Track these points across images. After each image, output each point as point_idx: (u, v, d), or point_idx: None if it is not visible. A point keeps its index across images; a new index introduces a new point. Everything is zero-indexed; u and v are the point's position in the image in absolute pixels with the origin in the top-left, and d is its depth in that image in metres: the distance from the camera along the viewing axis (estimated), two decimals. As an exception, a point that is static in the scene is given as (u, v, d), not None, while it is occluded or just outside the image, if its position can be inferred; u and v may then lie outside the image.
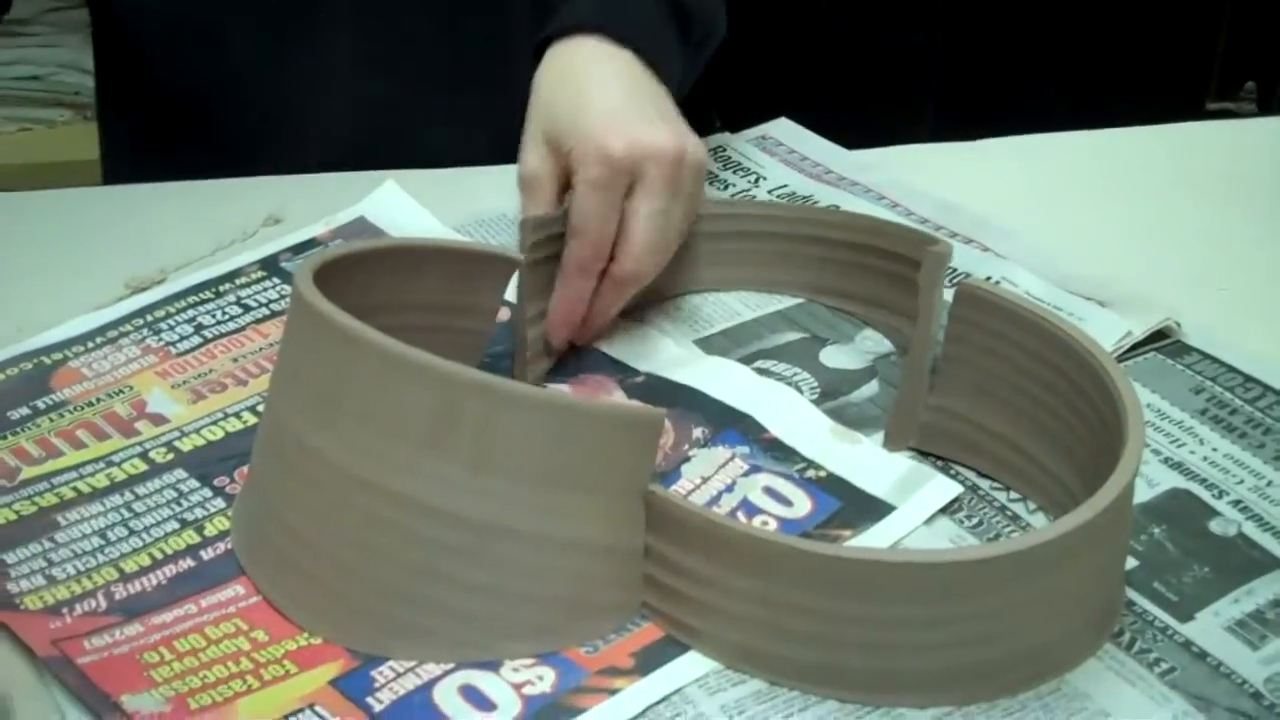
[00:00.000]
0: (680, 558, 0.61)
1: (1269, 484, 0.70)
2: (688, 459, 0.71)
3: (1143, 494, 0.69)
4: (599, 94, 0.76)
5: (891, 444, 0.73)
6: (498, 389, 0.60)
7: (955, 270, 0.84)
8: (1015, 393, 0.69)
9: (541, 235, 0.75)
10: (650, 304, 0.82)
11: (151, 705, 0.58)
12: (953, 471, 0.71)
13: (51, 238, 0.89)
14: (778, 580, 0.59)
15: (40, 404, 0.74)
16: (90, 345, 0.78)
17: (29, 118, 1.95)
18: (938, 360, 0.72)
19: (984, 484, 0.71)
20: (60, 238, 0.90)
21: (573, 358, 0.78)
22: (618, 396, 0.75)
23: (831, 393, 0.76)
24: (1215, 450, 0.72)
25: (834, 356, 0.79)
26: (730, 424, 0.73)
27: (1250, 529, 0.68)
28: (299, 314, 0.64)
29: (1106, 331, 0.78)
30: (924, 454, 0.72)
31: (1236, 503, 0.69)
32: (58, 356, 0.78)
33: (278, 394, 0.65)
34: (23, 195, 0.95)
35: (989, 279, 0.83)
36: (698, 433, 0.73)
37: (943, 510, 0.69)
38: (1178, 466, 0.71)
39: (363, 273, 0.70)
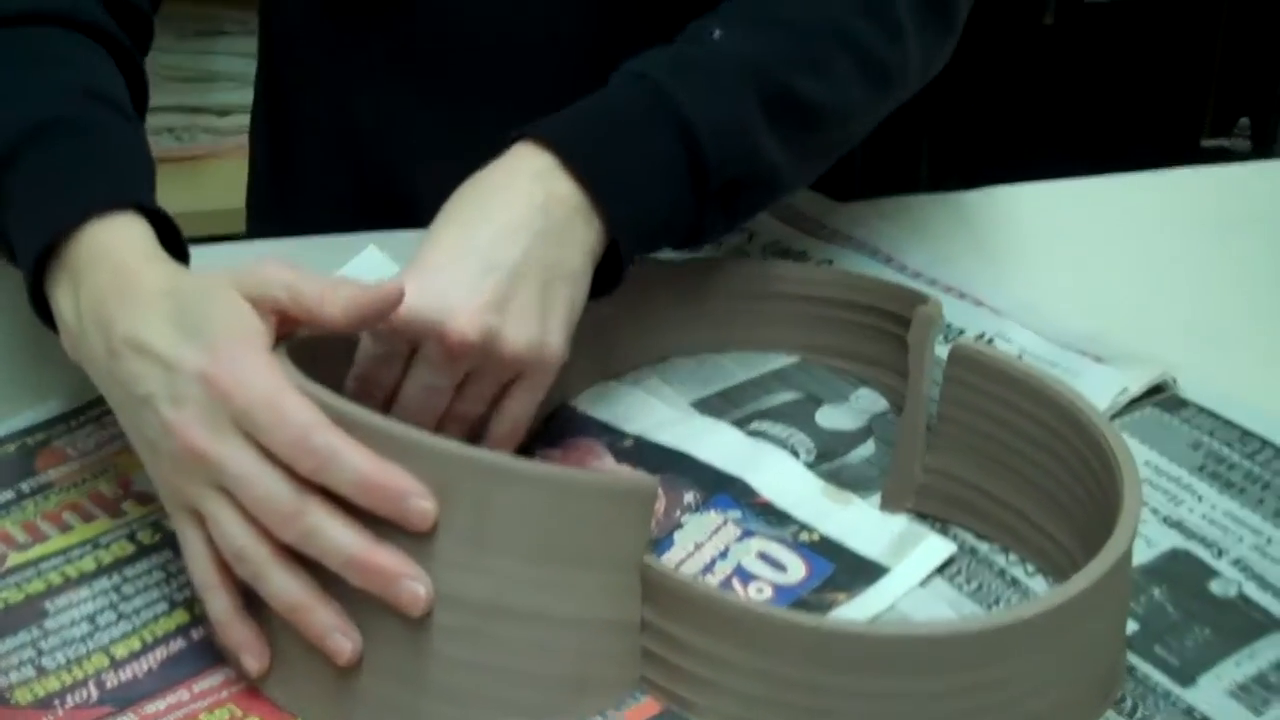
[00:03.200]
0: (676, 631, 0.61)
1: (1269, 541, 0.69)
2: (680, 525, 0.70)
3: (1142, 555, 0.69)
4: (451, 232, 0.68)
5: (888, 505, 0.72)
6: (493, 464, 0.59)
7: (950, 326, 0.84)
8: (1012, 454, 0.68)
9: None
10: (642, 365, 0.81)
11: (143, 798, 0.58)
12: (951, 533, 0.71)
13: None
14: (773, 654, 0.58)
15: (25, 487, 0.74)
16: (73, 424, 0.78)
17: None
18: (933, 420, 0.71)
19: (982, 546, 0.70)
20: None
21: (559, 421, 0.78)
22: (607, 461, 0.74)
23: (828, 454, 0.76)
24: (1214, 508, 0.72)
25: (830, 417, 0.78)
26: (721, 488, 0.72)
27: (1251, 589, 0.67)
28: None
29: (1102, 388, 0.78)
30: (922, 515, 0.72)
31: (1236, 562, 0.68)
32: (41, 437, 0.77)
33: None
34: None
35: (983, 335, 0.83)
36: (689, 498, 0.72)
37: (940, 572, 0.68)
38: (1177, 525, 0.70)
39: (340, 355, 0.69)
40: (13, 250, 0.70)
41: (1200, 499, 0.72)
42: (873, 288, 0.80)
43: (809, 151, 0.79)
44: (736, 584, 0.67)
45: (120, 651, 0.64)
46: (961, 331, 0.84)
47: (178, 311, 0.62)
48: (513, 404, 0.69)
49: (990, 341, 0.82)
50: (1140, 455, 0.75)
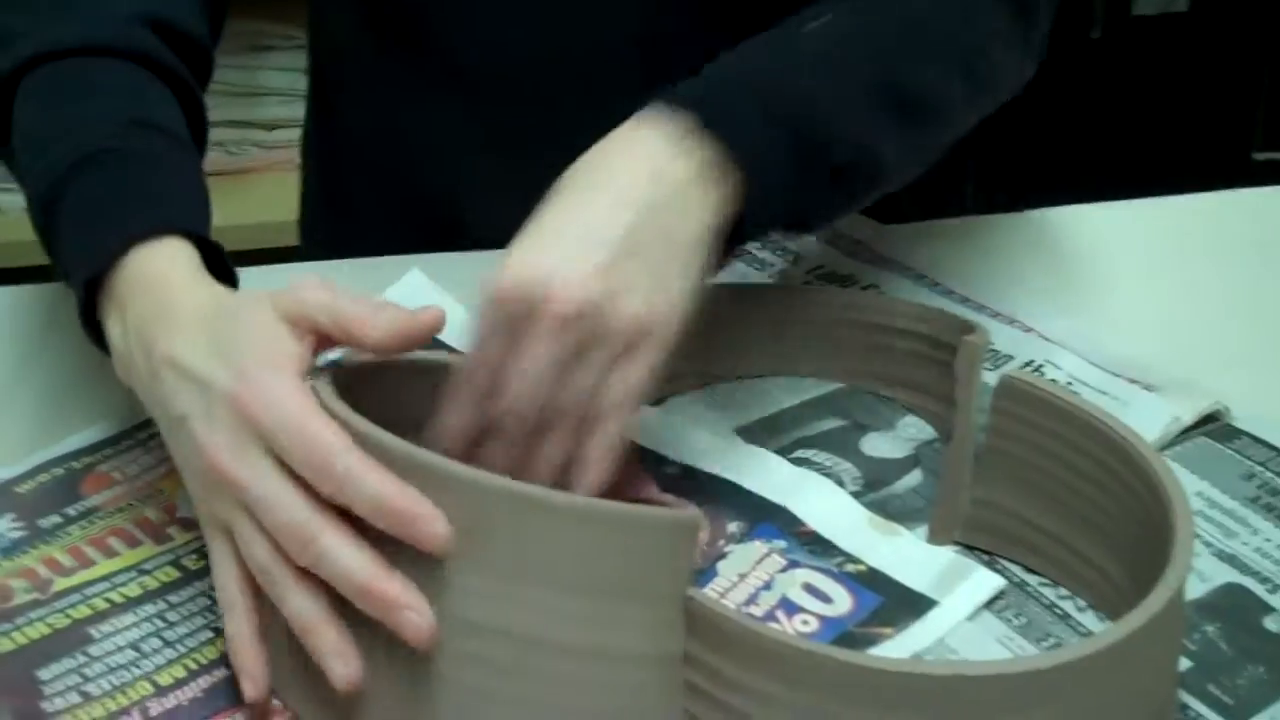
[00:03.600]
0: (720, 664, 0.60)
1: (1323, 574, 0.68)
2: (724, 555, 0.70)
3: (1195, 590, 0.68)
4: (561, 204, 0.66)
5: (935, 537, 0.71)
6: (529, 497, 0.59)
7: (998, 353, 0.83)
8: (1061, 486, 0.68)
9: None
10: (684, 392, 0.81)
11: (186, 829, 0.58)
12: (998, 566, 0.70)
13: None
14: (816, 689, 0.58)
15: (71, 511, 0.74)
16: (119, 448, 0.78)
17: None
18: (981, 451, 0.70)
19: (1031, 580, 0.69)
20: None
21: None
22: (652, 489, 0.74)
23: (875, 483, 0.75)
24: (1269, 541, 0.71)
25: (875, 445, 0.78)
26: (766, 517, 0.72)
27: (1306, 623, 0.66)
28: None
29: (1153, 418, 0.77)
30: (970, 548, 0.71)
31: (1292, 596, 0.67)
32: (88, 460, 0.77)
33: None
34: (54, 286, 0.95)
35: (1031, 363, 0.82)
36: (733, 527, 0.71)
37: (988, 606, 0.67)
38: (1230, 560, 0.69)
39: (386, 384, 0.69)
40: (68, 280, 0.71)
41: (1255, 531, 0.71)
42: (918, 314, 0.79)
43: (914, 146, 0.77)
44: (781, 616, 0.67)
45: (164, 679, 0.65)
46: (1010, 358, 0.83)
47: (213, 332, 0.64)
48: (617, 384, 0.65)
49: (1039, 369, 0.81)
50: (1191, 486, 0.74)
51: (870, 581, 0.68)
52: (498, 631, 0.59)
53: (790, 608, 0.67)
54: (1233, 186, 1.03)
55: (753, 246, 0.94)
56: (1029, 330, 0.85)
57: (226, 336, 0.63)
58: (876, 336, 0.80)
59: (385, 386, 0.69)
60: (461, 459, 0.65)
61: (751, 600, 0.67)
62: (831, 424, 0.79)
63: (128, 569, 0.70)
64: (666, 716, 0.61)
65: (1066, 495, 0.67)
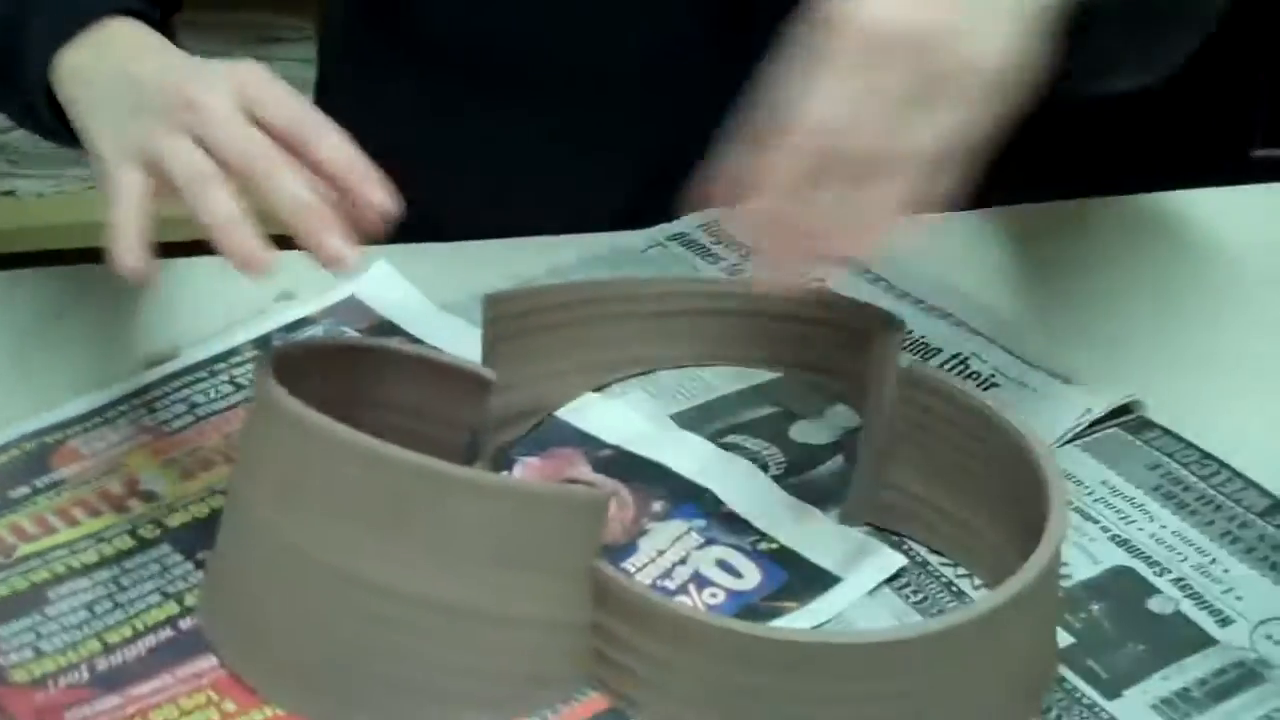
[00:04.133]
0: (623, 633, 0.64)
1: (1212, 561, 0.72)
2: (645, 532, 0.74)
3: (1086, 571, 0.71)
4: None
5: (848, 519, 0.75)
6: (446, 475, 0.63)
7: (929, 346, 0.87)
8: (962, 473, 0.71)
9: (504, 311, 0.77)
10: (626, 379, 0.85)
11: (119, 775, 0.62)
12: (905, 547, 0.74)
13: (72, 311, 0.94)
14: (710, 657, 0.62)
15: (39, 483, 0.79)
16: (90, 425, 0.82)
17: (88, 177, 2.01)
18: (890, 438, 0.74)
19: (934, 559, 0.73)
20: (82, 311, 0.94)
21: (543, 430, 0.81)
22: (584, 469, 0.78)
23: (797, 467, 0.79)
24: (1164, 527, 0.74)
25: (804, 431, 0.81)
26: (689, 498, 0.76)
27: (1188, 606, 0.69)
28: (260, 403, 0.67)
29: (1067, 410, 0.80)
30: (880, 529, 0.75)
31: (1178, 580, 0.71)
32: (59, 436, 0.82)
33: (242, 477, 0.69)
34: (56, 270, 1.01)
35: (959, 355, 0.86)
36: (656, 506, 0.75)
37: (889, 583, 0.71)
38: (1124, 544, 0.73)
39: (332, 367, 0.73)
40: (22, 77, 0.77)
41: (1151, 518, 0.75)
42: (846, 305, 0.83)
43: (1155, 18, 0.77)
44: (693, 589, 0.71)
45: (113, 638, 0.69)
46: (938, 350, 0.86)
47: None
48: (939, 118, 0.60)
49: (965, 360, 0.85)
50: (1097, 475, 0.77)
51: (780, 558, 0.72)
52: (413, 597, 0.63)
53: (701, 581, 0.71)
54: (1233, 183, 1.05)
55: (704, 239, 0.97)
56: (960, 324, 0.89)
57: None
58: (810, 328, 0.84)
59: (336, 367, 0.73)
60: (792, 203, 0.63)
61: (666, 574, 0.72)
62: (764, 411, 0.83)
63: (87, 537, 0.75)
64: (573, 680, 0.66)
65: (964, 479, 0.71)
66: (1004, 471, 0.69)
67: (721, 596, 0.70)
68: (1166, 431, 0.80)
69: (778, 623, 0.69)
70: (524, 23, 0.97)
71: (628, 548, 0.73)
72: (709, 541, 0.73)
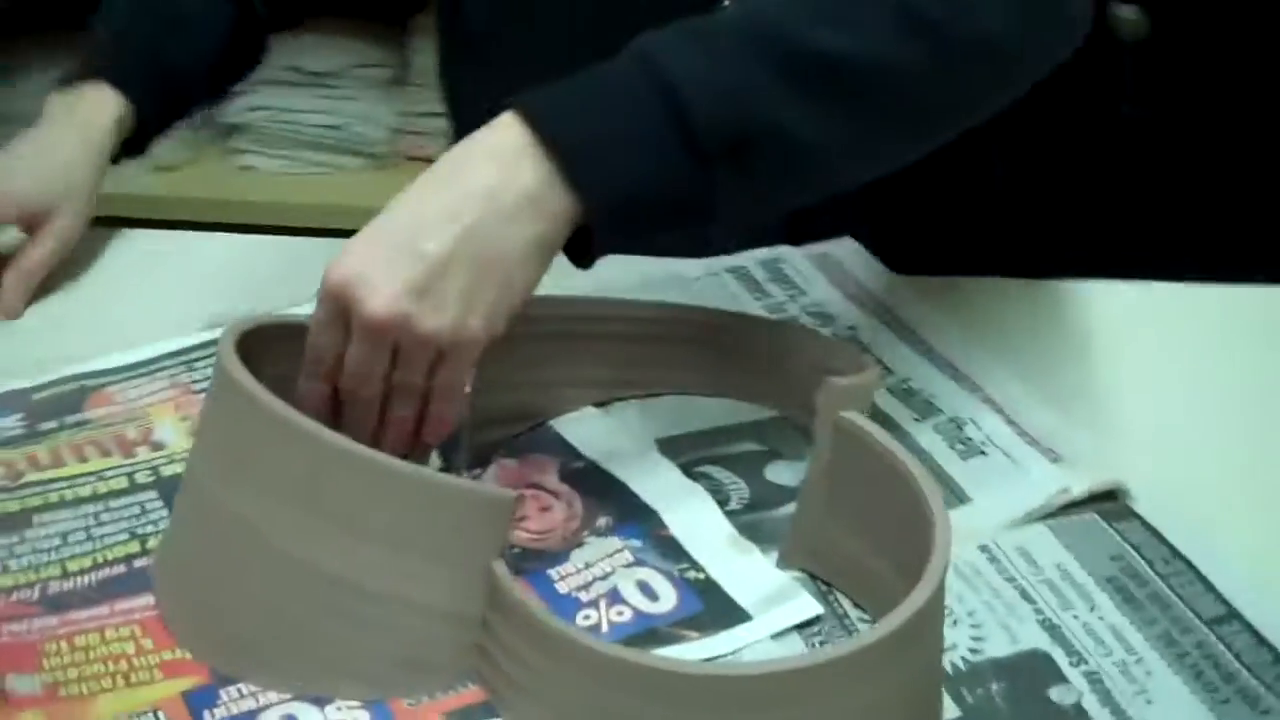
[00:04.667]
0: (507, 637, 0.67)
1: (1138, 660, 0.70)
2: (581, 544, 0.76)
3: (1001, 649, 0.70)
4: (398, 207, 0.70)
5: (784, 562, 0.76)
6: (357, 457, 0.67)
7: (931, 405, 0.86)
8: (881, 528, 0.71)
9: None
10: (631, 400, 0.87)
11: (28, 688, 0.68)
12: (832, 596, 0.74)
13: (162, 272, 1.02)
14: (581, 674, 0.64)
15: (68, 419, 0.86)
16: (130, 374, 0.89)
17: (325, 163, 2.13)
18: (828, 486, 0.74)
19: (854, 613, 0.73)
20: (171, 273, 1.02)
21: (533, 435, 0.84)
22: (550, 478, 0.81)
23: (757, 505, 0.80)
24: (1101, 619, 0.72)
25: (778, 471, 0.82)
26: (634, 517, 0.77)
27: (1090, 701, 0.67)
28: (216, 373, 0.72)
29: (1042, 485, 0.79)
30: (813, 576, 0.75)
31: (1091, 674, 0.69)
32: (100, 381, 0.89)
33: (197, 440, 0.74)
34: (155, 233, 1.09)
35: (956, 419, 0.85)
36: (601, 521, 0.77)
37: (801, 629, 0.72)
38: (1050, 629, 0.71)
39: (286, 341, 0.77)
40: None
41: (1093, 608, 0.73)
42: (840, 352, 0.83)
43: (849, 114, 0.73)
44: (603, 604, 0.72)
45: (74, 566, 0.75)
46: (939, 412, 0.86)
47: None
48: (440, 376, 0.71)
49: (961, 425, 0.84)
50: (1053, 557, 0.76)
51: (701, 589, 0.73)
52: (316, 568, 0.67)
53: (614, 598, 0.73)
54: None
55: (760, 276, 0.99)
56: (974, 389, 0.88)
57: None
58: (804, 371, 0.84)
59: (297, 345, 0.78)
60: (327, 421, 0.72)
61: (584, 587, 0.73)
62: (746, 447, 0.84)
63: (89, 474, 0.82)
64: (457, 671, 0.68)
65: (882, 534, 0.71)
66: (911, 527, 0.68)
67: (627, 615, 0.72)
68: (1143, 523, 0.78)
69: (672, 649, 0.70)
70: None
71: (560, 556, 0.75)
72: (638, 562, 0.75)
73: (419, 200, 0.71)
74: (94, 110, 1.00)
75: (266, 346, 0.74)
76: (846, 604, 0.73)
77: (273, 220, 1.96)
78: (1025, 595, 0.73)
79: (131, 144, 1.03)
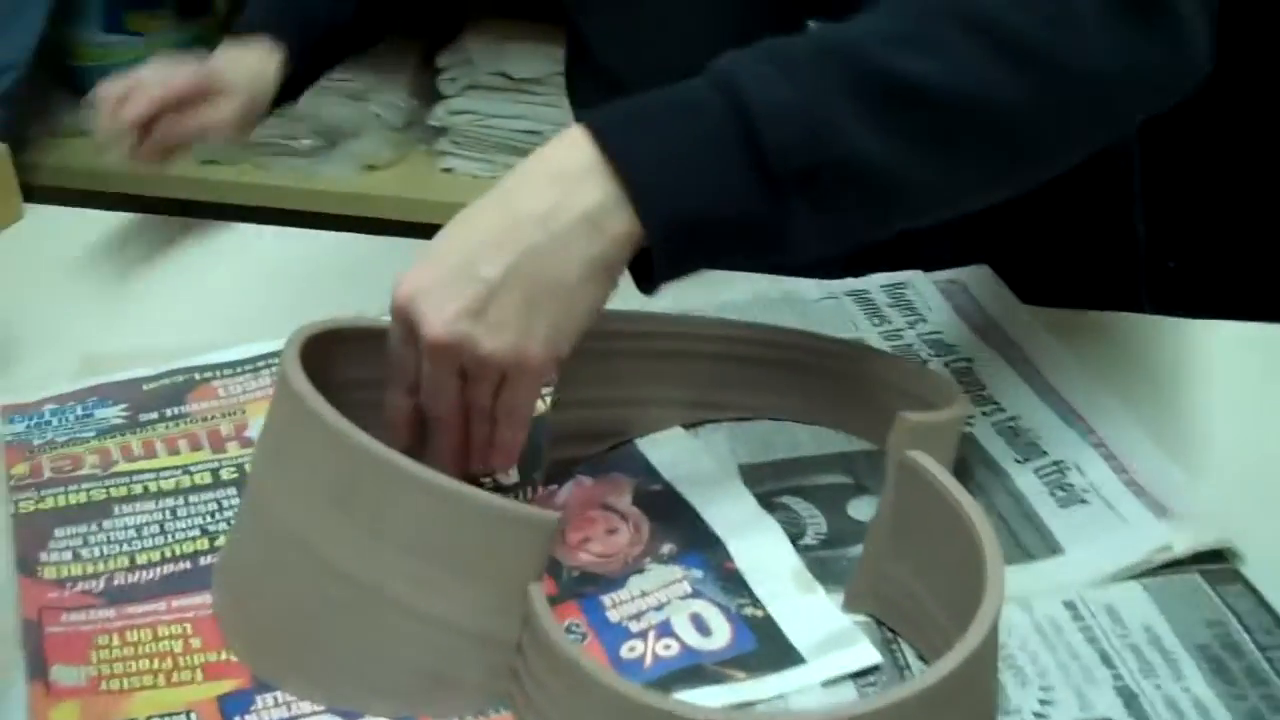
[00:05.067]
0: (535, 662, 0.65)
1: (1216, 738, 0.64)
2: (641, 571, 0.74)
3: (1069, 714, 0.66)
4: (462, 226, 0.70)
5: (850, 605, 0.72)
6: (393, 466, 0.66)
7: (1036, 446, 0.81)
8: (942, 573, 0.67)
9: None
10: (722, 423, 0.84)
11: (71, 679, 0.68)
12: (895, 645, 0.70)
13: (305, 269, 1.03)
14: (601, 713, 0.61)
15: (169, 412, 0.87)
16: (238, 370, 0.90)
17: (521, 168, 2.14)
18: (894, 529, 0.70)
19: (918, 665, 0.69)
20: (312, 272, 1.03)
21: (616, 454, 0.82)
22: (625, 499, 0.78)
23: (834, 542, 0.76)
24: (1186, 690, 0.67)
25: (860, 508, 0.78)
26: (699, 547, 0.75)
27: (1153, 778, 0.62)
28: (279, 374, 0.72)
29: (1141, 541, 0.74)
30: (880, 622, 0.71)
31: (1160, 748, 0.64)
32: (208, 374, 0.90)
33: (258, 442, 0.74)
34: (307, 233, 1.10)
35: (1060, 463, 0.80)
36: (665, 548, 0.75)
37: (857, 678, 0.68)
38: (1128, 698, 0.66)
39: (365, 345, 0.76)
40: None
41: (1178, 678, 0.67)
42: (937, 389, 0.79)
43: (931, 145, 0.69)
44: (651, 635, 0.70)
45: (142, 559, 0.76)
46: (1044, 453, 0.81)
47: None
48: (504, 398, 0.71)
49: (1064, 470, 0.79)
50: (1143, 618, 0.70)
51: (758, 627, 0.70)
52: (349, 576, 0.66)
53: (664, 630, 0.70)
54: None
55: (880, 299, 0.95)
56: (1088, 432, 0.82)
57: None
58: (896, 402, 0.80)
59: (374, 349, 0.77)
60: (411, 436, 0.73)
61: (636, 615, 0.71)
62: (834, 479, 0.80)
63: (176, 467, 0.82)
64: (489, 693, 0.67)
65: (942, 581, 0.67)
66: (967, 576, 0.64)
67: (674, 649, 0.69)
68: (1249, 587, 0.72)
69: (715, 689, 0.67)
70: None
71: (617, 581, 0.73)
72: (695, 594, 0.72)
73: (477, 222, 0.70)
74: (262, 56, 1.06)
75: (344, 349, 0.74)
76: (910, 654, 0.69)
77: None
78: (1105, 658, 0.68)
79: (283, 94, 1.09)
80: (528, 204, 0.68)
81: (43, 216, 1.11)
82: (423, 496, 0.65)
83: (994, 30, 0.68)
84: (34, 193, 1.12)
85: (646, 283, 0.71)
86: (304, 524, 0.67)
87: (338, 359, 0.73)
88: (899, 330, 0.92)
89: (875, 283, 0.97)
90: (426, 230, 0.72)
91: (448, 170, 2.14)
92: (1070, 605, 0.71)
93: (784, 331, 0.85)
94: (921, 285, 0.97)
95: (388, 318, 0.71)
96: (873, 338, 0.91)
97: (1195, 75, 0.74)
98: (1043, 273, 0.98)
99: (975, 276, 0.97)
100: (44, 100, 2.04)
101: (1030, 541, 0.75)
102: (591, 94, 1.07)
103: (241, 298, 1.00)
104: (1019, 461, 0.80)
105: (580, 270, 0.68)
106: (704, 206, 0.67)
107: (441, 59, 2.12)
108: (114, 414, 0.87)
